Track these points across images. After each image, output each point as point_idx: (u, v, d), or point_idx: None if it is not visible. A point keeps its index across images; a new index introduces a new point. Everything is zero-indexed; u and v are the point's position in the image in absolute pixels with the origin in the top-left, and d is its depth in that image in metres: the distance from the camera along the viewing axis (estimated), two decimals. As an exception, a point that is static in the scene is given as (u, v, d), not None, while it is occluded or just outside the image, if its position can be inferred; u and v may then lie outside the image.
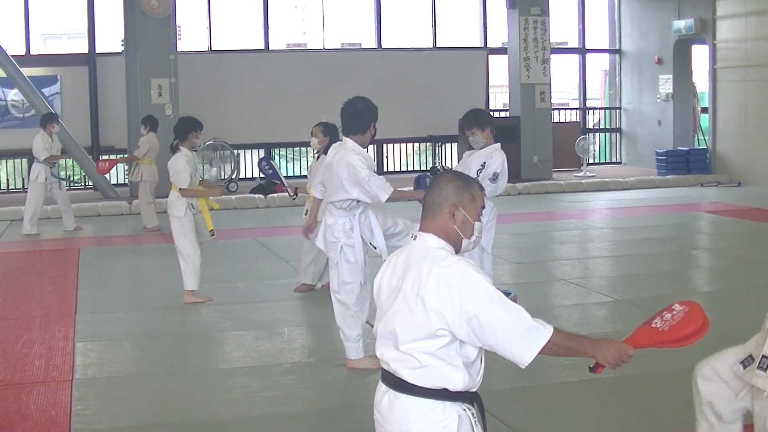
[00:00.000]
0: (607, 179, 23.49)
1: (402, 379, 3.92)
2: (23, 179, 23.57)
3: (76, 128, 21.84)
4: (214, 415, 7.21)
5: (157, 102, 20.76)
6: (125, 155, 20.48)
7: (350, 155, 7.87)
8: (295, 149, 25.55)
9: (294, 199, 12.13)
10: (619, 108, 28.06)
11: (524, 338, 3.78)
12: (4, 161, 23.79)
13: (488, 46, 26.57)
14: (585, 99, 28.39)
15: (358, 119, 8.00)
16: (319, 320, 10.20)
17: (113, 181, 22.67)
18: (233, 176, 22.09)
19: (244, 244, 15.07)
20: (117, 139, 22.88)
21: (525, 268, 13.10)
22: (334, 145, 8.37)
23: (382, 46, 25.60)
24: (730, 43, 23.41)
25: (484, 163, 9.41)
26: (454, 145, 25.42)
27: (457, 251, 4.07)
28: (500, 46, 26.39)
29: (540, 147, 24.08)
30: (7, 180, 23.56)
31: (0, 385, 7.83)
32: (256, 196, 20.28)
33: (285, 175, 24.32)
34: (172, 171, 10.57)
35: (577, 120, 27.83)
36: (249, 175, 23.93)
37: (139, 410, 7.31)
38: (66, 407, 7.21)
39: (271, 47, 24.75)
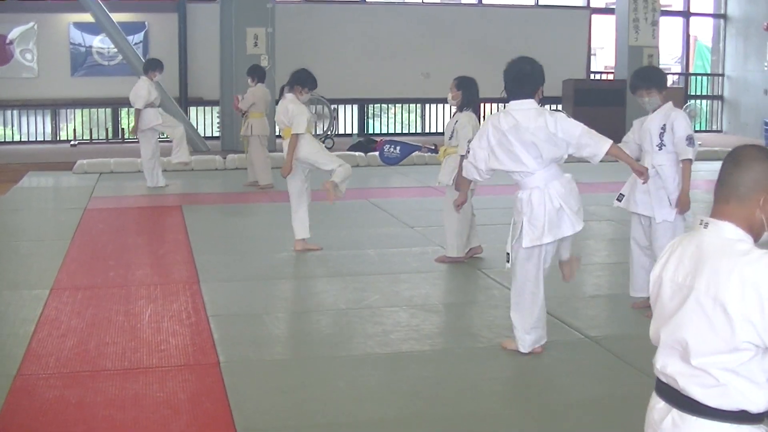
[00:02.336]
0: (716, 148, 22.16)
1: (692, 399, 3.19)
2: (107, 130, 22.73)
3: (164, 78, 20.71)
4: (398, 411, 6.05)
5: (252, 53, 19.73)
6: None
7: (543, 113, 7.01)
8: (390, 105, 24.75)
9: (437, 154, 11.08)
10: (722, 75, 26.93)
11: None
12: (86, 110, 22.90)
13: (591, 5, 25.59)
14: (688, 64, 27.25)
15: (525, 83, 7.09)
16: (473, 297, 9.16)
17: (203, 133, 21.83)
18: (329, 132, 21.06)
19: (359, 206, 13.91)
20: (207, 90, 22.02)
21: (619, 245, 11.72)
22: (504, 115, 7.21)
23: (483, 2, 24.78)
24: None
25: (664, 125, 8.40)
26: (555, 107, 24.48)
27: (755, 242, 3.28)
28: (603, 6, 25.52)
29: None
30: (90, 130, 22.61)
31: (140, 368, 6.73)
32: (356, 154, 19.19)
33: (383, 132, 23.63)
34: (287, 116, 10.31)
35: (680, 85, 26.66)
36: (344, 131, 23.33)
37: (307, 405, 6.13)
38: (221, 398, 6.10)
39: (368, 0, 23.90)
